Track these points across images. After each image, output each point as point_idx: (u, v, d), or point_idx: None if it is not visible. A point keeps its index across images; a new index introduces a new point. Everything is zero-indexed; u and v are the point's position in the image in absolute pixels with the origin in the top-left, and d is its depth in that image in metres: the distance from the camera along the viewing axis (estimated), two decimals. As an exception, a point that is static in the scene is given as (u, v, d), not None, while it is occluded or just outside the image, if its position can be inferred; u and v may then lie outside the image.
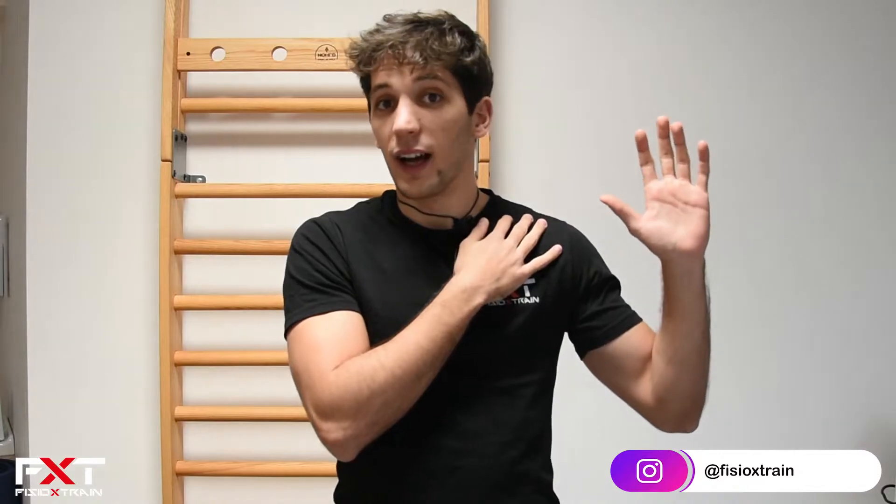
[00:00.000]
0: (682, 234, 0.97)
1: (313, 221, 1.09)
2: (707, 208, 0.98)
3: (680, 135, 0.98)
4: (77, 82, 1.98)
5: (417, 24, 1.01)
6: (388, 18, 1.03)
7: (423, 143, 1.00)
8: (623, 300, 1.12)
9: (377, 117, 1.04)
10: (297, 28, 1.96)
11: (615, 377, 1.10)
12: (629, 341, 1.08)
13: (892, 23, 2.06)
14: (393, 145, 1.01)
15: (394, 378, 0.94)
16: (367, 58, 1.01)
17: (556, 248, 1.08)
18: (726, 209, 2.03)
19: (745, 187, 2.04)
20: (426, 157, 1.01)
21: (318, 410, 0.96)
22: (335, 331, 0.99)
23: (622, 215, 1.00)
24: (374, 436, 0.96)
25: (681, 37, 2.06)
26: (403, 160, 1.02)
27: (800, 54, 2.06)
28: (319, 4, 2.03)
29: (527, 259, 1.06)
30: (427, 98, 1.01)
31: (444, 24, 1.02)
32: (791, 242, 2.05)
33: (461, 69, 1.02)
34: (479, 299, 0.99)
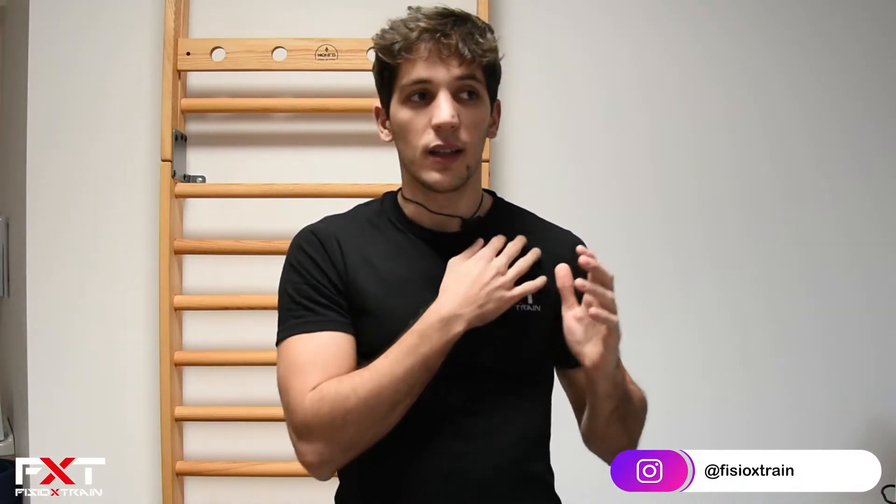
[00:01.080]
0: (587, 350, 0.96)
1: (311, 231, 1.06)
2: (606, 351, 0.94)
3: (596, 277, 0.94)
4: (77, 82, 1.98)
5: (455, 18, 0.98)
6: (415, 9, 0.99)
7: (461, 139, 0.98)
8: None
9: (409, 108, 0.99)
10: (297, 28, 1.95)
11: (568, 396, 1.13)
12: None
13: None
14: (431, 138, 0.98)
15: (367, 407, 0.93)
16: (408, 45, 0.96)
17: (541, 279, 1.01)
18: (723, 208, 2.04)
19: (751, 187, 2.04)
20: (459, 151, 0.99)
21: (295, 432, 0.96)
22: (319, 352, 0.97)
23: (562, 294, 0.98)
24: (348, 459, 0.97)
25: (687, 34, 2.05)
26: (435, 152, 0.99)
27: (807, 54, 2.06)
28: (319, 4, 2.02)
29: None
30: (466, 95, 0.99)
31: (478, 22, 1.00)
32: (795, 243, 2.04)
33: (491, 68, 1.01)
34: (457, 328, 0.95)
